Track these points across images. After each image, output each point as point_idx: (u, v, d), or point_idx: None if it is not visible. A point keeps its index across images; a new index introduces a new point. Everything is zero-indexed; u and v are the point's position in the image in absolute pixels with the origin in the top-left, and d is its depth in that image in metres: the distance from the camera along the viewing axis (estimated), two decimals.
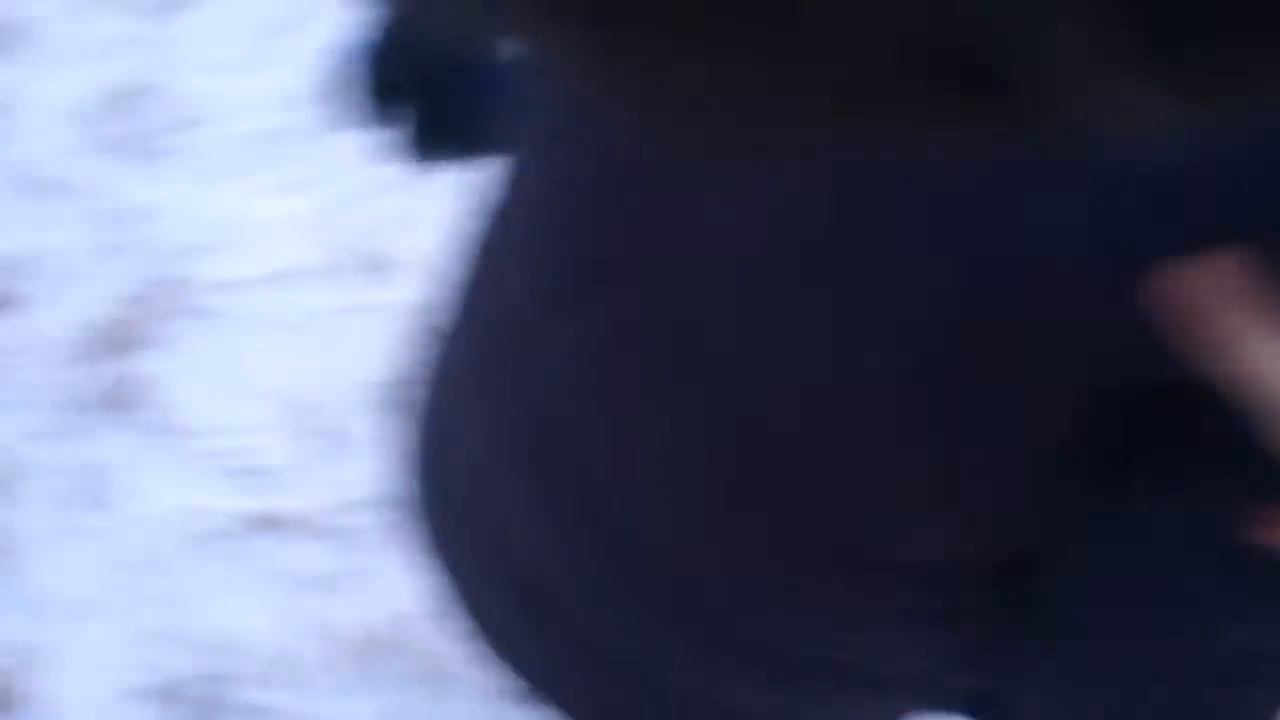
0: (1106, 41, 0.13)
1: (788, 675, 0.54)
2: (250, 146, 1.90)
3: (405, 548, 1.51)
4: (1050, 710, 0.41)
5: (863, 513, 0.40)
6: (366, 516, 1.55)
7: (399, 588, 1.51)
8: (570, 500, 0.52)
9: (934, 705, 0.57)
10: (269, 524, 1.53)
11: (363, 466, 1.59)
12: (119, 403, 1.58)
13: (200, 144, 1.88)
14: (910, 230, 0.34)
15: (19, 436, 1.55)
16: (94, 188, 1.79)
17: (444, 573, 0.70)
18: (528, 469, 0.53)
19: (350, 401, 1.64)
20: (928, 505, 0.38)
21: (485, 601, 0.67)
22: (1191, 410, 0.32)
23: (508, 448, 0.55)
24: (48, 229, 1.72)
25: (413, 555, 1.44)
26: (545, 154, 0.46)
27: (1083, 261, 0.31)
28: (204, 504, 1.53)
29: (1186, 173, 0.30)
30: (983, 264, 0.33)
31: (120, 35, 1.96)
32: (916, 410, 0.36)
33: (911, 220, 0.34)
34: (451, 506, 0.65)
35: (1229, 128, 0.16)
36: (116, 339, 1.63)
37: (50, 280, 1.67)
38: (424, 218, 1.81)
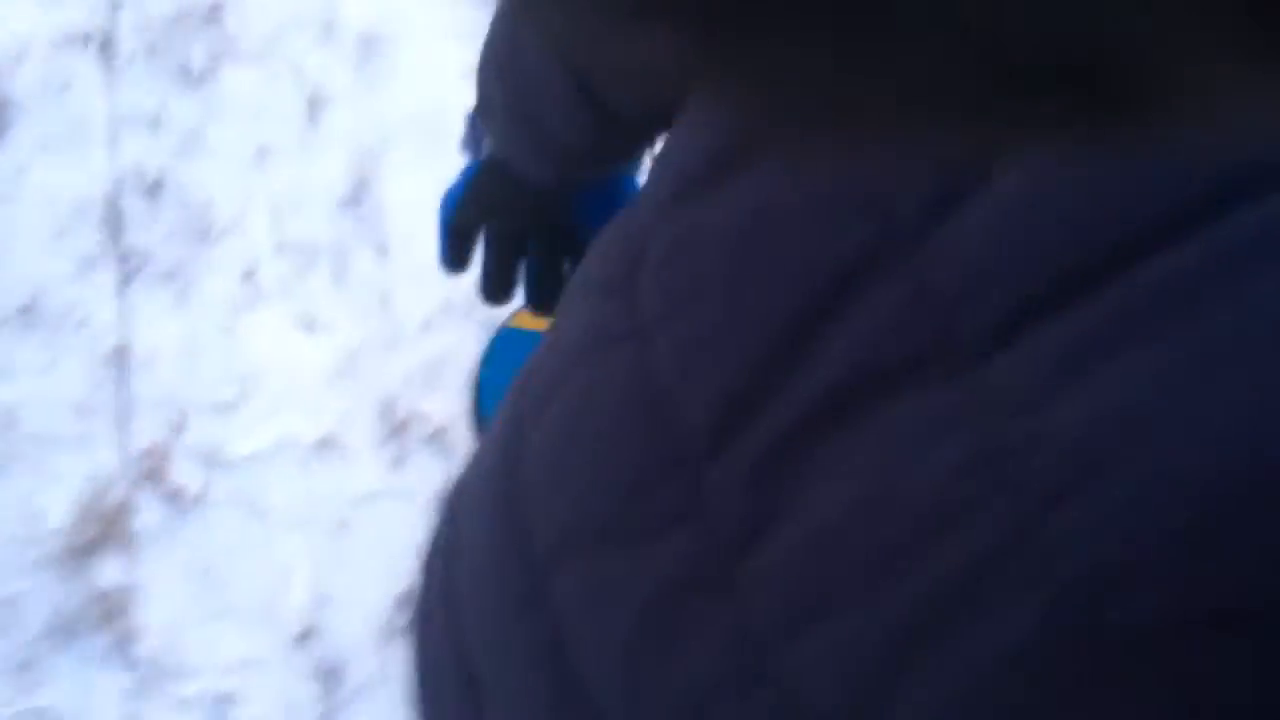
0: (1210, 37, 0.12)
1: None
2: (275, 264, 1.58)
3: None
4: None
5: None
6: None
7: None
8: None
9: None
10: None
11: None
12: (74, 626, 1.29)
13: (215, 260, 1.58)
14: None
15: None
16: (80, 319, 1.49)
17: None
18: None
19: (357, 628, 1.33)
20: None
21: None
22: None
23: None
24: (16, 375, 1.43)
25: None
26: (595, 362, 0.44)
27: None
28: None
29: None
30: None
31: (137, 111, 1.66)
32: None
33: None
34: None
35: None
36: (79, 538, 1.33)
37: (4, 450, 1.38)
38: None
